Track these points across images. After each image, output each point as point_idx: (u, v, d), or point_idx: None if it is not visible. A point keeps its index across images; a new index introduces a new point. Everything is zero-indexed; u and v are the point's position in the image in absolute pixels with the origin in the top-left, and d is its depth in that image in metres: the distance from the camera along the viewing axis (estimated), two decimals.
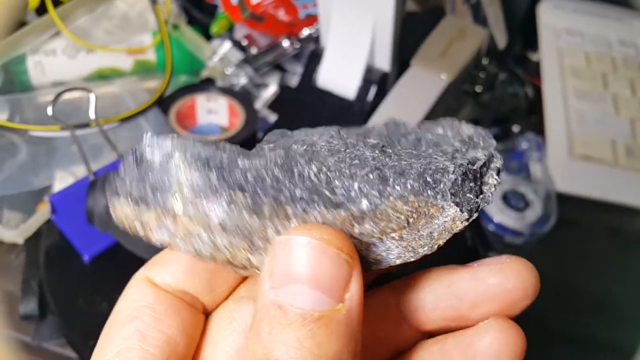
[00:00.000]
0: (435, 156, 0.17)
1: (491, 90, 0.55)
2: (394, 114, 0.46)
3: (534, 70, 0.58)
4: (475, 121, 0.52)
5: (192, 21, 0.58)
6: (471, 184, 0.17)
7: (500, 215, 0.47)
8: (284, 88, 0.54)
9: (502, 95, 0.55)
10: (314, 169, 0.16)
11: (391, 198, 0.16)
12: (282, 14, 0.55)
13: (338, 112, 0.49)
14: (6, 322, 0.40)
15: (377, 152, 0.17)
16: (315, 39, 0.54)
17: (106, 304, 0.38)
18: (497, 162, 0.18)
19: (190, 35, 0.53)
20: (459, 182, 0.16)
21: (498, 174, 0.18)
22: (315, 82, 0.50)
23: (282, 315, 0.15)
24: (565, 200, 0.49)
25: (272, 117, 0.52)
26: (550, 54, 0.58)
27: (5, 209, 0.43)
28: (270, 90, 0.52)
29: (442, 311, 0.19)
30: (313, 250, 0.15)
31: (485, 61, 0.55)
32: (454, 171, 0.16)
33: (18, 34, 0.48)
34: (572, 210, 0.49)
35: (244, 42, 0.56)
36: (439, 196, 0.16)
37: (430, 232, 0.17)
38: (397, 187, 0.16)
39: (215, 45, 0.54)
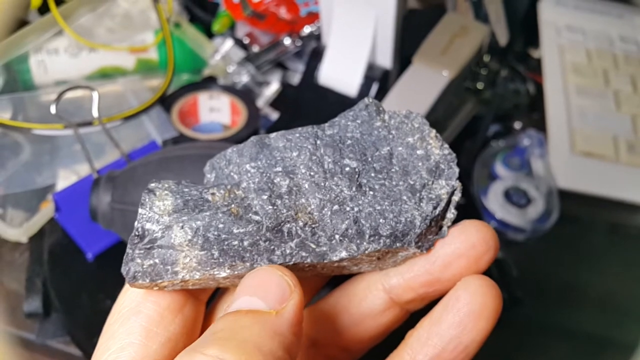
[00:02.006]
0: (405, 197, 0.19)
1: (493, 87, 0.55)
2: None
3: (536, 67, 0.58)
4: (477, 118, 0.53)
5: (193, 19, 0.58)
6: (432, 229, 0.20)
7: (502, 211, 0.47)
8: (285, 86, 0.54)
9: (503, 92, 0.56)
10: (300, 223, 0.19)
11: (367, 251, 0.19)
12: (283, 12, 0.55)
13: (340, 109, 0.48)
14: (10, 320, 0.40)
15: (354, 189, 0.19)
16: (316, 36, 0.54)
17: (110, 302, 0.38)
18: (457, 195, 0.20)
19: (192, 34, 0.53)
20: (423, 232, 0.20)
21: (456, 207, 0.20)
22: (317, 79, 0.50)
23: (223, 316, 0.17)
24: (567, 197, 0.49)
25: (274, 115, 0.52)
26: (551, 51, 0.58)
27: (9, 208, 0.44)
28: (272, 88, 0.52)
29: (419, 277, 0.21)
30: (258, 271, 0.18)
31: (486, 58, 0.55)
32: (419, 225, 0.19)
33: (20, 33, 0.48)
34: (573, 207, 0.49)
35: (246, 40, 0.56)
36: (405, 244, 0.20)
37: (395, 260, 0.21)
38: (373, 244, 0.19)
39: (217, 43, 0.54)
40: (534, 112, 0.56)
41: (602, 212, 0.50)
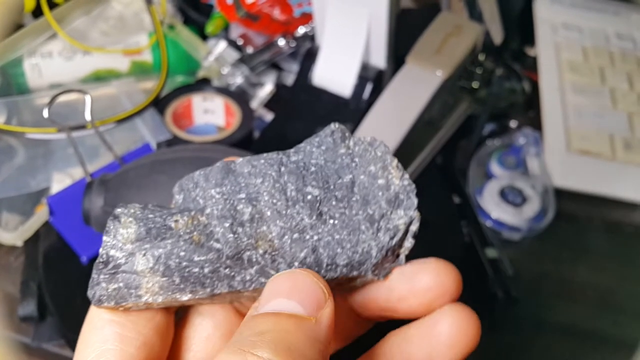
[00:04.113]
0: (363, 226, 0.20)
1: (488, 86, 0.55)
2: (389, 111, 0.46)
3: (531, 65, 0.58)
4: (472, 117, 0.53)
5: (187, 21, 0.58)
6: (389, 258, 0.21)
7: (497, 210, 0.47)
8: (280, 87, 0.54)
9: (499, 91, 0.55)
10: (261, 251, 0.19)
11: (325, 277, 0.20)
12: (277, 13, 0.55)
13: (334, 110, 0.49)
14: (6, 323, 0.40)
15: (314, 217, 0.20)
16: (310, 37, 0.54)
17: None
18: (415, 225, 0.21)
19: (186, 36, 0.53)
20: (379, 261, 0.20)
21: (414, 236, 0.21)
22: (311, 80, 0.50)
23: (261, 315, 0.17)
24: (563, 195, 0.49)
25: (269, 116, 0.52)
26: (547, 49, 0.58)
27: (4, 212, 0.44)
28: (266, 89, 0.52)
29: (379, 302, 0.22)
30: (294, 274, 0.18)
31: (481, 57, 0.55)
32: (376, 255, 0.20)
33: (14, 36, 0.48)
34: (570, 205, 0.49)
35: (240, 42, 0.56)
36: (362, 273, 0.20)
37: (353, 285, 0.22)
38: (330, 272, 0.20)
39: (211, 45, 0.54)
40: (529, 110, 0.56)
41: (598, 210, 0.50)
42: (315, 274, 0.18)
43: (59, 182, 0.44)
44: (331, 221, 0.20)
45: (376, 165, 0.20)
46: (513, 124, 0.55)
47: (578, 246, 0.48)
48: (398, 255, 0.21)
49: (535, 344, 0.42)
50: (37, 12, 0.50)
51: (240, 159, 0.20)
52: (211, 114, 0.51)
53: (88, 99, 0.41)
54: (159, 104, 0.49)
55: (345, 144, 0.21)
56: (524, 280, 0.44)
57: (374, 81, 0.48)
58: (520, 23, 0.61)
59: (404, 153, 0.46)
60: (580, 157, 0.51)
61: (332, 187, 0.20)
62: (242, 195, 0.20)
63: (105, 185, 0.37)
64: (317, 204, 0.20)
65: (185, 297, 0.19)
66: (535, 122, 0.54)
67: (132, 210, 0.19)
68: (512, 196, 0.48)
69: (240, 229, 0.19)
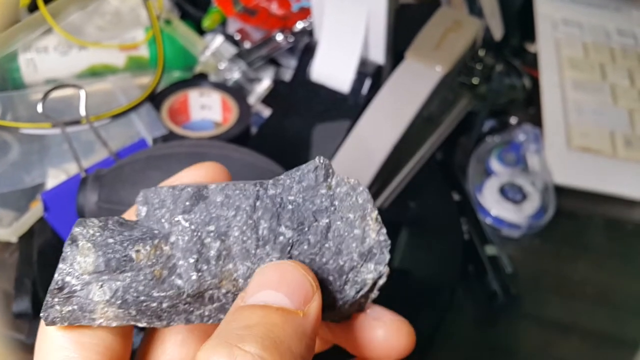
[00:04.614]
0: (331, 277, 0.20)
1: (488, 82, 0.55)
2: (388, 107, 0.45)
3: (531, 62, 0.58)
4: (472, 113, 0.52)
5: (184, 16, 0.57)
6: (352, 308, 0.20)
7: (497, 208, 0.47)
8: (277, 82, 0.53)
9: (499, 87, 0.55)
10: (224, 290, 0.19)
11: None
12: (275, 8, 0.54)
13: (332, 105, 0.48)
14: (0, 320, 0.40)
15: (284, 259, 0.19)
16: (309, 32, 0.53)
17: None
18: (382, 279, 0.20)
19: (182, 30, 0.53)
20: (330, 319, 0.20)
21: (379, 288, 0.21)
22: (309, 76, 0.50)
23: (248, 307, 0.17)
24: (563, 192, 0.49)
25: (266, 112, 0.51)
26: (547, 45, 0.58)
27: None
28: (264, 84, 0.52)
29: (340, 340, 0.22)
30: (282, 265, 0.18)
31: (481, 53, 0.55)
32: (338, 308, 0.20)
33: (9, 31, 0.47)
34: (570, 202, 0.49)
35: (237, 37, 0.56)
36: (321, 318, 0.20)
37: None
38: None
39: (208, 39, 0.54)
40: (529, 107, 0.56)
41: (598, 207, 0.49)
42: (303, 266, 0.18)
43: (53, 178, 0.44)
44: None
45: (355, 213, 0.20)
46: (513, 120, 0.55)
47: (578, 243, 0.47)
48: (361, 304, 0.21)
49: (534, 341, 0.41)
50: (33, 7, 0.49)
51: (213, 185, 0.19)
52: (208, 109, 0.50)
53: (83, 93, 0.40)
54: (155, 99, 0.48)
55: (328, 183, 0.20)
56: (524, 277, 0.44)
57: (372, 77, 0.48)
58: (520, 19, 0.60)
59: (403, 149, 0.45)
60: (581, 154, 0.50)
61: (306, 229, 0.19)
62: (212, 228, 0.19)
63: (99, 180, 0.36)
64: (289, 247, 0.19)
65: (141, 325, 0.19)
66: (535, 119, 0.53)
67: (91, 232, 0.18)
68: (512, 193, 0.48)
69: (205, 267, 0.18)
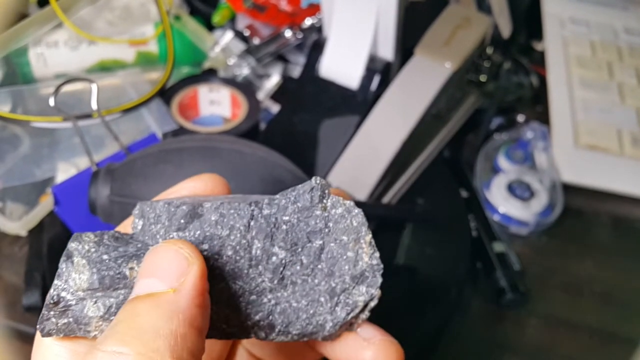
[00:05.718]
0: (322, 298, 0.20)
1: (496, 80, 0.55)
2: (397, 103, 0.45)
3: (539, 60, 0.58)
4: (480, 111, 0.52)
5: (194, 12, 0.57)
6: (342, 329, 0.20)
7: (505, 205, 0.47)
8: (286, 78, 0.53)
9: (506, 85, 0.55)
10: (214, 308, 0.19)
11: (274, 340, 0.20)
12: (284, 4, 0.54)
13: (341, 102, 0.48)
14: (10, 313, 0.40)
15: (275, 281, 0.19)
16: (317, 28, 0.53)
17: None
18: (374, 302, 0.20)
19: (192, 26, 0.53)
20: (320, 338, 0.20)
21: (370, 310, 0.21)
22: (318, 72, 0.50)
23: (124, 306, 0.17)
24: (570, 190, 0.49)
25: (275, 108, 0.52)
26: (555, 43, 0.58)
27: (9, 201, 0.43)
28: (273, 80, 0.52)
29: (325, 352, 0.22)
30: (154, 250, 0.18)
31: (489, 50, 0.55)
32: (329, 329, 0.20)
33: (20, 25, 0.47)
34: (577, 200, 0.49)
35: (246, 33, 0.56)
36: (312, 339, 0.20)
37: (302, 340, 0.22)
38: (281, 336, 0.20)
39: (217, 35, 0.54)
40: (537, 104, 0.56)
41: (606, 205, 0.49)
42: (177, 241, 0.18)
43: (64, 172, 0.44)
44: (292, 287, 0.20)
45: (349, 236, 0.20)
46: (521, 118, 0.55)
47: (585, 241, 0.48)
48: (351, 324, 0.21)
49: (542, 338, 0.41)
50: (43, 2, 0.49)
51: (209, 203, 0.19)
52: (217, 105, 0.50)
53: (94, 87, 0.40)
54: (165, 94, 0.48)
55: (323, 204, 0.20)
56: (531, 274, 0.44)
57: (381, 73, 0.48)
58: (528, 17, 0.60)
59: (411, 146, 0.46)
60: (588, 152, 0.50)
61: (299, 249, 0.20)
62: (205, 247, 0.19)
63: (111, 174, 0.37)
64: (281, 268, 0.19)
65: None
66: (542, 117, 0.54)
67: (86, 247, 0.18)
68: (519, 190, 0.48)
69: None
